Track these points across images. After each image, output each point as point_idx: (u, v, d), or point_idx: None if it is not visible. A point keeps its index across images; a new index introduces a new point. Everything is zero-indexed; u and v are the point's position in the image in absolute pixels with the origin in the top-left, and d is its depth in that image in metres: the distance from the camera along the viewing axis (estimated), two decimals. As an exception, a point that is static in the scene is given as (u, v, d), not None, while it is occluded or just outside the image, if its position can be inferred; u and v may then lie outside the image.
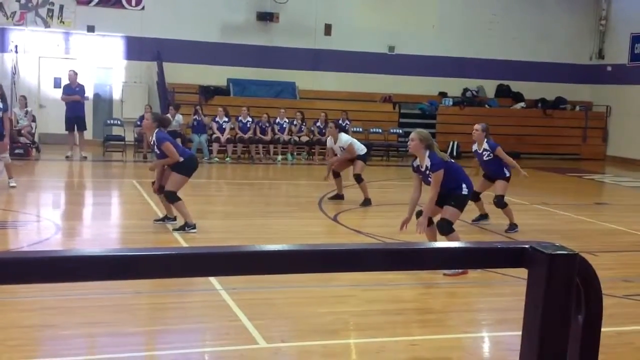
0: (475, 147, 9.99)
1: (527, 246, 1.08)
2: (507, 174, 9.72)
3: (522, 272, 1.15)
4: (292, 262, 1.14)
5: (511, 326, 5.60)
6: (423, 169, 7.59)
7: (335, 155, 11.97)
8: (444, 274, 7.15)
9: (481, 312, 6.66)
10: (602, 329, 1.17)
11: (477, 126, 9.99)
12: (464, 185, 7.57)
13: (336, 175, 11.83)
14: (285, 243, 1.31)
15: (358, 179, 11.69)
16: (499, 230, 9.83)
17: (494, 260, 1.16)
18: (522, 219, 10.27)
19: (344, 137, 11.94)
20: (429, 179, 7.52)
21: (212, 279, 6.59)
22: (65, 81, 17.84)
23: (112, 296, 6.20)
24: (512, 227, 9.75)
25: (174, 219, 9.19)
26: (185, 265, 1.12)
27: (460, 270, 7.15)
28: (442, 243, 1.14)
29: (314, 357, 5.22)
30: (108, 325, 5.64)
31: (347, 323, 5.92)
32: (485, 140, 9.77)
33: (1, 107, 9.91)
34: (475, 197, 9.68)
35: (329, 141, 12.26)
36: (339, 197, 11.85)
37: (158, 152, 8.94)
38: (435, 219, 7.70)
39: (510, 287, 6.58)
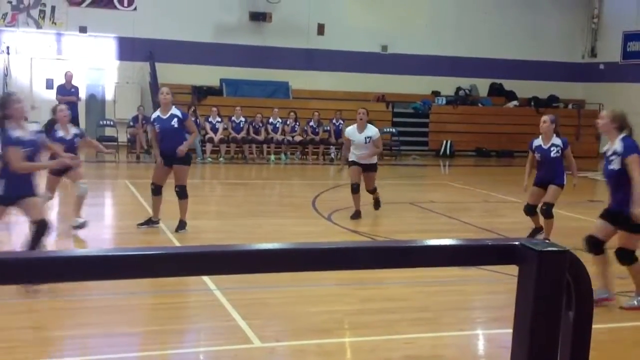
0: (538, 142, 8.76)
1: (517, 243, 1.08)
2: (564, 181, 8.70)
3: (517, 270, 1.15)
4: (285, 261, 1.14)
5: (505, 324, 5.60)
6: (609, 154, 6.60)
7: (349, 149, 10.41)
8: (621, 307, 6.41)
9: (475, 310, 6.67)
10: (594, 326, 1.17)
11: (545, 117, 8.77)
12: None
13: (356, 189, 10.28)
14: (278, 243, 1.31)
15: (374, 191, 10.52)
16: (490, 227, 9.84)
17: (485, 257, 1.16)
18: (515, 216, 10.29)
19: (374, 128, 10.35)
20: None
21: (206, 279, 6.59)
22: (57, 82, 17.78)
23: (105, 297, 6.19)
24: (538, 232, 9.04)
25: (158, 221, 9.12)
26: (179, 264, 1.12)
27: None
28: (432, 241, 1.14)
29: (308, 356, 5.22)
30: (101, 326, 5.63)
31: (342, 322, 5.92)
32: (555, 134, 8.67)
33: (77, 132, 9.11)
34: (531, 210, 8.97)
35: (350, 130, 10.41)
36: (358, 214, 10.29)
37: (176, 127, 8.78)
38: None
39: (505, 285, 6.59)
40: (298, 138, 18.76)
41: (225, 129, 18.11)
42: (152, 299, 6.37)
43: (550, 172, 8.71)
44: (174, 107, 8.97)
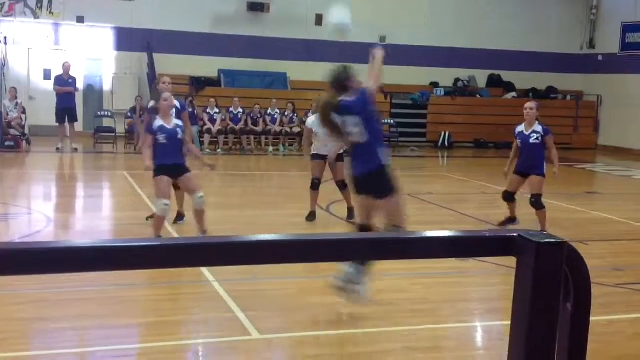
0: (521, 128, 8.99)
1: (515, 235, 1.08)
2: (543, 171, 8.87)
3: (515, 262, 1.15)
4: (284, 252, 1.14)
5: (504, 315, 5.62)
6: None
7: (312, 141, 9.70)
8: None
9: (474, 301, 6.69)
10: (594, 318, 1.17)
11: (530, 104, 9.03)
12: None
13: (316, 186, 9.74)
14: (276, 234, 1.31)
15: (343, 185, 9.50)
16: (488, 219, 9.85)
17: (483, 249, 1.15)
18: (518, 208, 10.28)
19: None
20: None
21: (205, 271, 6.59)
22: (55, 72, 17.74)
23: (103, 288, 6.19)
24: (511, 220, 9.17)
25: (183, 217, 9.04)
26: (177, 256, 1.12)
27: None
28: (430, 232, 1.13)
29: (307, 348, 5.23)
30: (100, 317, 5.63)
31: (340, 314, 5.92)
32: (537, 122, 8.89)
33: (179, 124, 8.15)
34: (509, 197, 9.10)
35: (311, 121, 9.42)
36: (313, 216, 9.64)
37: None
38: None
39: (503, 277, 6.60)
40: (296, 129, 18.74)
41: (223, 120, 18.09)
42: (150, 290, 6.38)
43: (529, 160, 8.83)
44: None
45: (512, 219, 9.20)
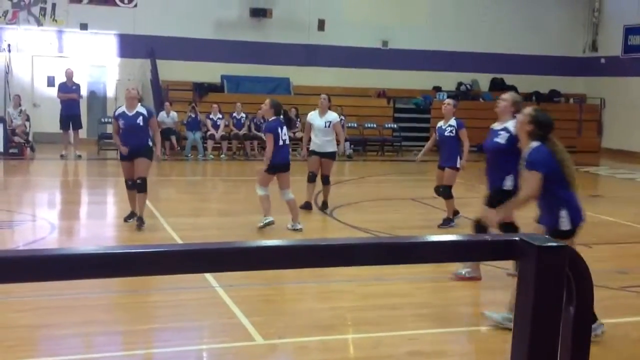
0: (440, 123, 9.69)
1: (516, 238, 1.08)
2: (458, 165, 9.48)
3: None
4: (287, 258, 1.14)
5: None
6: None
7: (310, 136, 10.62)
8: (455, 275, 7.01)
9: (477, 305, 6.67)
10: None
11: (448, 100, 9.80)
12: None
13: (312, 178, 10.56)
14: (280, 239, 1.31)
15: (327, 180, 10.65)
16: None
17: (485, 253, 1.16)
18: (517, 212, 10.25)
19: (334, 114, 10.79)
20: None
21: (209, 277, 6.59)
22: (59, 79, 17.78)
23: (107, 295, 6.20)
24: (448, 221, 9.66)
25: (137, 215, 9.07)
26: (181, 262, 1.12)
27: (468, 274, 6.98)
28: (432, 237, 1.14)
29: (311, 353, 5.23)
30: (104, 324, 5.64)
31: (344, 318, 5.92)
32: (454, 117, 9.51)
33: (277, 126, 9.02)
34: (438, 192, 9.76)
35: (311, 115, 10.68)
36: (308, 205, 10.51)
37: (141, 124, 8.93)
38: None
39: (506, 280, 6.59)
40: (299, 134, 18.73)
41: (226, 125, 18.10)
42: (154, 296, 6.38)
43: (445, 153, 9.60)
44: (139, 104, 9.12)
45: (454, 214, 9.73)
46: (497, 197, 6.57)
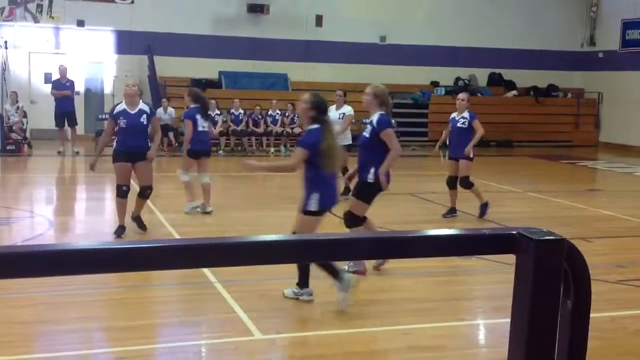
0: (454, 114, 9.95)
1: (514, 232, 1.08)
2: (471, 155, 9.70)
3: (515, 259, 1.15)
4: (287, 253, 1.14)
5: (505, 313, 5.59)
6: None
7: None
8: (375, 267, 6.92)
9: (475, 299, 6.69)
10: (597, 315, 1.17)
11: (462, 95, 10.06)
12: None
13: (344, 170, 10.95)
14: (279, 234, 1.31)
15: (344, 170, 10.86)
16: (489, 217, 9.84)
17: (482, 247, 1.16)
18: (515, 206, 10.30)
19: (349, 107, 11.52)
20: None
21: (207, 272, 6.60)
22: (56, 76, 17.75)
23: (105, 291, 6.20)
24: (485, 207, 9.81)
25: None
26: (179, 257, 1.12)
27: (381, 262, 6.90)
28: (430, 231, 1.14)
29: (309, 347, 5.23)
30: (102, 319, 5.64)
31: (341, 313, 5.92)
32: (467, 110, 9.80)
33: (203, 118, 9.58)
34: (450, 183, 9.86)
35: (329, 111, 11.46)
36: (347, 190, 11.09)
37: (145, 123, 8.24)
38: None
39: (505, 275, 6.59)
40: (297, 130, 18.73)
41: (224, 121, 18.09)
42: (152, 292, 6.38)
43: (455, 144, 9.79)
44: (141, 101, 8.50)
45: (452, 210, 9.90)
46: (363, 189, 6.83)
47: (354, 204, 6.90)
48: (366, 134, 6.95)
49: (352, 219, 6.86)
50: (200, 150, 9.72)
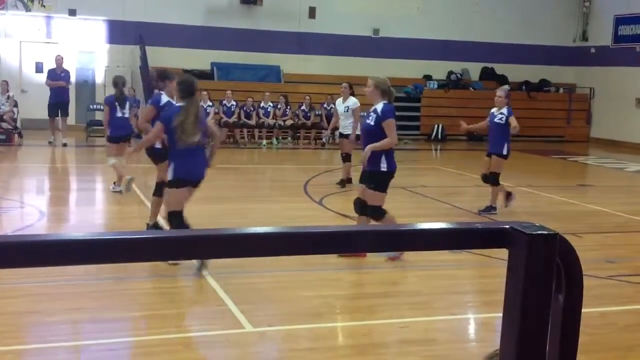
0: (493, 109, 9.95)
1: (507, 226, 1.08)
2: (505, 152, 9.71)
3: (507, 254, 1.15)
4: (277, 245, 1.14)
5: (496, 307, 5.63)
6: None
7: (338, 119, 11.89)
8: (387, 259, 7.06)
9: (468, 294, 6.71)
10: (586, 310, 1.18)
11: (499, 92, 10.06)
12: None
13: (348, 158, 11.67)
14: (270, 227, 1.31)
15: (347, 157, 11.71)
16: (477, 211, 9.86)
17: (474, 241, 1.15)
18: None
19: (354, 99, 11.77)
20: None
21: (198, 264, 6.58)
22: (47, 65, 17.65)
23: (96, 282, 6.18)
24: (489, 209, 9.79)
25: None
26: (170, 249, 1.11)
27: (397, 254, 7.07)
28: (422, 224, 1.13)
29: (300, 340, 5.23)
30: (93, 311, 5.63)
31: (334, 306, 5.93)
32: (507, 106, 9.79)
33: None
34: (485, 179, 9.88)
35: (337, 102, 12.12)
36: (344, 182, 11.65)
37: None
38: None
39: (497, 269, 6.61)
40: (289, 122, 18.72)
41: (216, 113, 18.04)
42: (143, 283, 6.37)
43: (492, 139, 9.89)
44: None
45: (508, 194, 9.97)
46: (377, 179, 7.02)
47: (372, 196, 7.03)
48: (370, 121, 7.05)
49: (376, 211, 7.04)
50: (119, 135, 10.39)
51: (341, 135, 11.86)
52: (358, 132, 10.99)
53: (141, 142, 7.41)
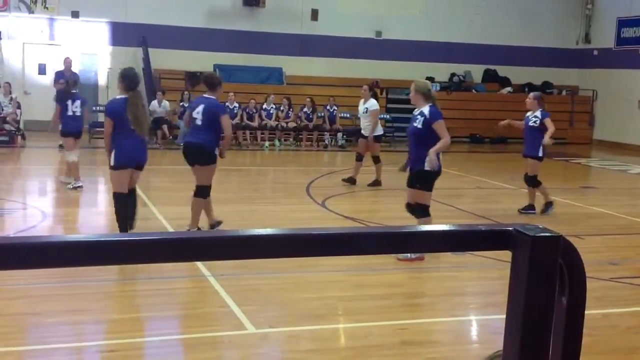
0: (529, 113, 10.03)
1: (510, 228, 1.07)
2: (540, 154, 9.83)
3: (510, 256, 1.15)
4: (280, 247, 1.14)
5: (499, 309, 5.63)
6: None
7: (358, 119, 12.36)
8: (398, 259, 7.18)
9: (469, 295, 6.69)
10: (589, 312, 1.17)
11: (530, 95, 10.20)
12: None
13: (359, 158, 11.99)
14: (272, 228, 1.31)
15: (376, 160, 12.02)
16: (484, 213, 9.86)
17: (478, 243, 1.15)
18: (509, 203, 10.32)
19: (373, 101, 12.11)
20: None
21: (201, 266, 6.59)
22: (50, 67, 17.66)
23: (97, 283, 6.18)
24: (548, 205, 10.01)
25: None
26: (173, 250, 1.11)
27: (414, 256, 7.18)
28: (425, 226, 1.13)
29: (302, 342, 5.23)
30: (94, 312, 5.63)
31: (335, 308, 5.93)
32: (540, 109, 9.85)
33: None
34: (533, 183, 9.95)
35: (359, 104, 12.52)
36: (352, 180, 11.93)
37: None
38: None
39: (499, 271, 6.61)
40: (292, 124, 18.72)
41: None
42: (145, 285, 6.37)
43: (527, 142, 9.99)
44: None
45: (548, 203, 10.08)
46: (423, 179, 7.21)
47: (420, 195, 7.27)
48: (418, 124, 7.25)
49: (422, 210, 7.27)
50: (70, 131, 11.09)
51: (361, 135, 12.24)
52: (374, 133, 11.87)
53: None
